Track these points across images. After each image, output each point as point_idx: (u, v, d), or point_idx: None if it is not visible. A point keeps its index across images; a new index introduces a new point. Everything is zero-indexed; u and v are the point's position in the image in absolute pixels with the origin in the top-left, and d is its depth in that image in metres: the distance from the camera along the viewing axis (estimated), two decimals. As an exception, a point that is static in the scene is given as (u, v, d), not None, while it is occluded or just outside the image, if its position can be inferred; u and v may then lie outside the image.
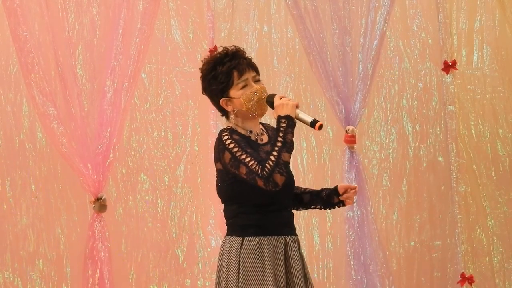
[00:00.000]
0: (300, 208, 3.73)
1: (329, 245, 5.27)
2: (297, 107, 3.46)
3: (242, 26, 5.30)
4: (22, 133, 4.76)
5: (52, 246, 4.75)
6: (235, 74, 3.52)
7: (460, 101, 5.57)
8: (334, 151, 5.34)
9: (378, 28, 5.07)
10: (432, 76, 5.58)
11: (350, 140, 5.05)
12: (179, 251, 5.04)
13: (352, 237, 4.98)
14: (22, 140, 4.75)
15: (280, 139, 3.39)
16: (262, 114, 3.61)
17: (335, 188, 3.63)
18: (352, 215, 5.00)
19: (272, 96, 3.52)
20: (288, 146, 3.40)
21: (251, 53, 5.23)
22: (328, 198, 3.63)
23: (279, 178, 3.37)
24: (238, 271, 3.48)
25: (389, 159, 5.49)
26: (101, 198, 4.57)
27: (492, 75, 5.61)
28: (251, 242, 3.49)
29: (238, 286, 3.46)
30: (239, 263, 3.49)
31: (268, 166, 3.37)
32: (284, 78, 5.34)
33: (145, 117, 5.04)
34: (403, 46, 5.56)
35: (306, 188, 3.72)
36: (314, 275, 5.19)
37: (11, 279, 4.68)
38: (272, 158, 3.37)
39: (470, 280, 5.35)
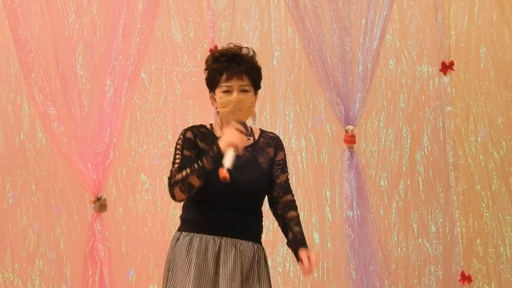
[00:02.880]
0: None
1: (329, 245, 5.26)
2: (233, 146, 3.37)
3: (243, 25, 5.31)
4: (22, 133, 4.76)
5: (52, 246, 4.75)
6: (224, 76, 3.53)
7: (457, 102, 5.58)
8: (333, 151, 5.34)
9: (377, 29, 5.06)
10: (429, 76, 5.58)
11: (350, 140, 5.05)
12: (179, 251, 5.04)
13: (352, 237, 4.98)
14: (23, 140, 4.75)
15: (199, 162, 3.39)
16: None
17: (297, 251, 3.53)
18: (351, 215, 5.00)
19: (239, 122, 3.47)
20: (199, 172, 3.37)
21: (251, 52, 5.26)
22: (294, 252, 3.55)
23: (178, 193, 3.43)
24: (169, 265, 3.52)
25: (387, 160, 5.49)
26: (101, 198, 4.57)
27: (489, 76, 5.62)
28: (185, 237, 3.51)
29: (167, 279, 3.49)
30: (173, 257, 3.53)
31: (177, 177, 3.42)
32: (284, 78, 5.34)
33: (145, 117, 5.05)
34: (400, 46, 5.57)
35: (293, 229, 3.57)
36: (314, 274, 5.20)
37: (11, 279, 4.67)
38: (183, 173, 3.40)
39: (469, 279, 5.36)
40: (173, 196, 3.46)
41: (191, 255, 3.46)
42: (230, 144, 3.36)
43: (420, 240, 5.45)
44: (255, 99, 3.60)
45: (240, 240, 3.50)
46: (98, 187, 4.56)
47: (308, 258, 3.47)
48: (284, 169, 3.66)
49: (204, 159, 3.37)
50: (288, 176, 3.68)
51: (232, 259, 3.45)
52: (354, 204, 5.03)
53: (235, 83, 3.52)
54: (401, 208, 5.47)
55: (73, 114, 4.55)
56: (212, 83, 3.57)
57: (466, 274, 5.36)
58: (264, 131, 3.70)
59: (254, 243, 3.54)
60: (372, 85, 5.19)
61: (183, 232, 3.54)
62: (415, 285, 5.42)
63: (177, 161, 3.48)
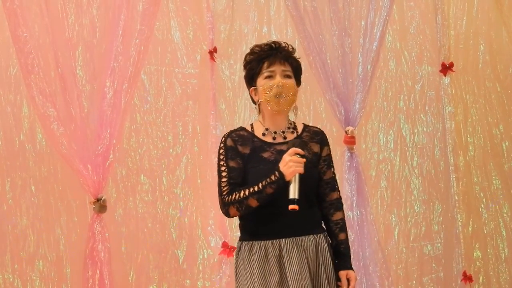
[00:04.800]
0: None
1: (329, 246, 5.26)
2: (300, 173, 3.36)
3: (242, 27, 5.31)
4: (22, 134, 4.76)
5: (52, 246, 4.75)
6: (265, 63, 3.53)
7: (457, 102, 5.58)
8: (333, 151, 5.32)
9: (377, 30, 5.06)
10: (429, 77, 5.59)
11: (350, 141, 5.04)
12: (179, 251, 5.05)
13: (352, 238, 4.97)
14: (22, 141, 4.75)
15: (260, 186, 3.37)
16: (279, 110, 3.54)
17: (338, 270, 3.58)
18: (351, 215, 5.00)
19: (296, 142, 3.45)
20: (260, 196, 3.37)
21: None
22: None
23: (233, 212, 3.43)
24: (236, 276, 3.52)
25: (387, 161, 5.49)
26: (101, 199, 4.56)
27: (488, 77, 5.63)
28: (245, 247, 3.50)
29: None
30: (236, 268, 3.52)
31: (233, 196, 3.41)
32: (284, 79, 5.34)
33: (145, 118, 5.05)
34: (400, 48, 5.57)
35: (337, 236, 3.61)
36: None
37: (11, 279, 4.67)
38: (241, 194, 3.39)
39: (470, 279, 5.36)
40: (227, 214, 3.45)
41: (253, 264, 3.44)
42: (294, 172, 3.34)
43: (420, 240, 5.45)
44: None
45: (300, 237, 3.48)
46: (98, 188, 4.55)
47: (348, 282, 3.51)
48: (329, 164, 3.68)
49: (266, 184, 3.35)
50: (334, 172, 3.67)
51: (296, 258, 3.43)
52: (354, 205, 5.03)
53: (277, 68, 3.52)
54: (401, 208, 5.47)
55: (73, 115, 4.54)
56: (253, 74, 3.55)
57: (468, 273, 5.36)
58: (307, 125, 3.70)
59: (315, 235, 3.51)
60: (372, 86, 5.19)
61: (243, 242, 3.52)
62: (415, 286, 5.42)
63: (224, 174, 3.46)
